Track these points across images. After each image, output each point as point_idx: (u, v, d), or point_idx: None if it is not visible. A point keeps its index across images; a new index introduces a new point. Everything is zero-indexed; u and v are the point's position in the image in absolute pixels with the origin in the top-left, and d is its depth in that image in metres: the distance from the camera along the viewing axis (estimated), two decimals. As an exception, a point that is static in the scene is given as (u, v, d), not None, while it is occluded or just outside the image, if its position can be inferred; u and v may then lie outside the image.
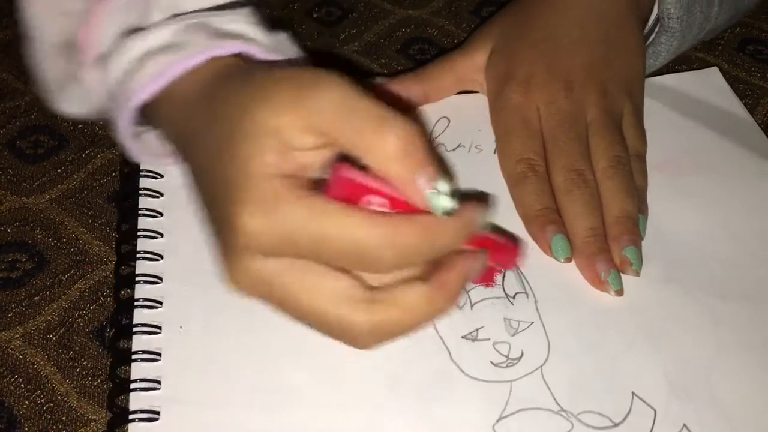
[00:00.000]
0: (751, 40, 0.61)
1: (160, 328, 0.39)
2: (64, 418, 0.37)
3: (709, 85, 0.56)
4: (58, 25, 0.43)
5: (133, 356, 0.38)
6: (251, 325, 0.39)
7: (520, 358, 0.39)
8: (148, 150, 0.43)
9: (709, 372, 0.39)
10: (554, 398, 0.38)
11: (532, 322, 0.41)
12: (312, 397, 0.38)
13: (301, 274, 0.32)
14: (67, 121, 0.51)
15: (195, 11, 0.40)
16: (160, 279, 0.41)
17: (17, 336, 0.40)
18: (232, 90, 0.34)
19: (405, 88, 0.51)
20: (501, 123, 0.49)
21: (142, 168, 0.46)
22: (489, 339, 0.40)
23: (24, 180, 0.48)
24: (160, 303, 0.40)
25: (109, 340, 0.40)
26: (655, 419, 0.38)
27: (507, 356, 0.39)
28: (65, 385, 0.38)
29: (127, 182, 0.46)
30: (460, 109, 0.52)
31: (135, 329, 0.39)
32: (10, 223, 0.45)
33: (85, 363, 0.39)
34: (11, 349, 0.40)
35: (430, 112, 0.52)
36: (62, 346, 0.40)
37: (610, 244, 0.43)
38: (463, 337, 0.40)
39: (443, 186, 0.31)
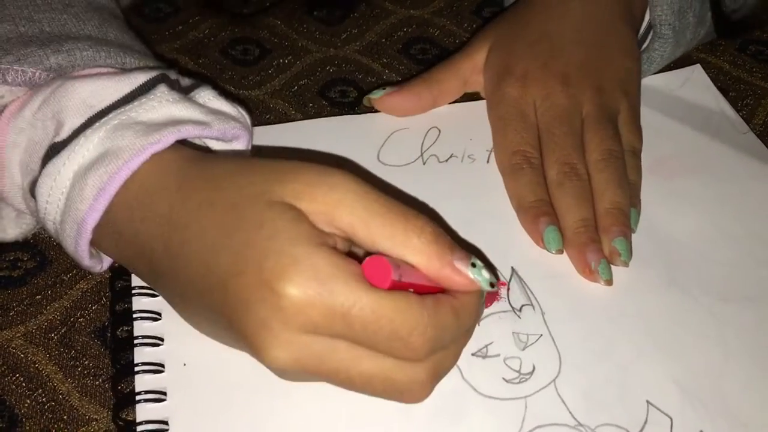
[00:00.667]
0: (753, 41, 0.61)
1: (163, 366, 0.38)
2: (65, 417, 0.37)
3: (693, 82, 0.56)
4: None
5: (137, 397, 0.37)
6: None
7: (532, 373, 0.39)
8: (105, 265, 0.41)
9: (719, 376, 0.39)
10: (570, 412, 0.37)
11: (541, 335, 0.40)
12: (323, 423, 0.36)
13: (351, 347, 0.32)
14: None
15: (109, 106, 0.37)
16: (159, 315, 0.40)
17: (19, 335, 0.40)
18: (224, 173, 0.34)
19: (415, 94, 0.51)
20: (498, 116, 0.49)
21: None
22: (499, 355, 0.39)
23: (25, 179, 0.48)
24: (162, 340, 0.39)
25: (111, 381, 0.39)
26: (671, 427, 0.37)
27: (519, 371, 0.39)
28: (67, 385, 0.38)
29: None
30: (451, 119, 0.52)
31: (137, 369, 0.38)
32: (11, 222, 0.45)
33: (86, 362, 0.39)
34: (13, 348, 0.40)
35: (421, 123, 0.51)
36: (64, 345, 0.40)
37: (600, 235, 0.44)
38: (473, 354, 0.39)
39: (478, 261, 0.33)
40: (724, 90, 0.56)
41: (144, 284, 0.40)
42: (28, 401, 0.38)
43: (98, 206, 0.35)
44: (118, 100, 0.37)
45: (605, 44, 0.50)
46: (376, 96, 0.51)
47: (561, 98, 0.47)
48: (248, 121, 0.41)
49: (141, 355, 0.38)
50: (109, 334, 0.40)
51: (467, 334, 0.35)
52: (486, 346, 0.40)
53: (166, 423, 0.36)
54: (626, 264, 0.43)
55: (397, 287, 0.31)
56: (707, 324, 0.42)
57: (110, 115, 0.36)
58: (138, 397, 0.36)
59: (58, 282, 0.42)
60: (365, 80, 0.56)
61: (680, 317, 0.42)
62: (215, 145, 0.40)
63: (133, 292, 0.40)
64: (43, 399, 0.38)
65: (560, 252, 0.44)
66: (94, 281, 0.42)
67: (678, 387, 0.39)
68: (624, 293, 0.43)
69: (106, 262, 0.40)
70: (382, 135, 0.50)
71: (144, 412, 0.36)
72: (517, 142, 0.47)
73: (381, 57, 0.58)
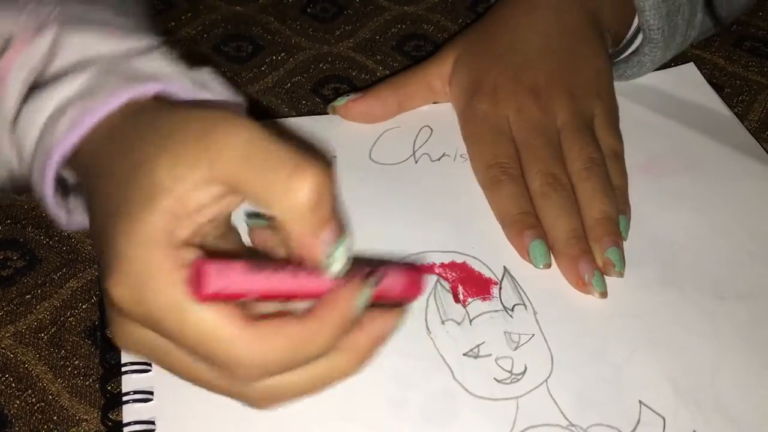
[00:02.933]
0: (748, 37, 0.61)
1: (150, 365, 0.38)
2: (55, 417, 0.37)
3: (686, 81, 0.56)
4: None
5: (125, 397, 0.37)
6: None
7: (524, 373, 0.38)
8: (77, 220, 0.38)
9: (714, 375, 0.39)
10: (562, 413, 0.37)
11: (533, 335, 0.40)
12: (311, 422, 0.36)
13: (180, 350, 0.30)
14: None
15: (105, 56, 0.37)
16: None
17: (8, 335, 0.40)
18: (137, 134, 0.32)
19: (379, 99, 0.51)
20: (470, 132, 0.49)
21: None
22: (491, 355, 0.39)
23: (16, 177, 0.47)
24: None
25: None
26: (664, 427, 0.37)
27: (511, 372, 0.38)
28: (57, 385, 0.38)
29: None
30: (443, 118, 0.51)
31: (124, 368, 0.37)
32: (1, 221, 0.45)
33: (76, 362, 0.39)
34: (2, 347, 0.39)
35: (413, 121, 0.51)
36: (54, 345, 0.40)
37: (591, 245, 0.43)
38: (464, 354, 0.39)
39: (341, 248, 0.31)
40: (719, 86, 0.56)
41: None
42: (18, 402, 0.38)
43: (70, 139, 0.34)
44: (115, 55, 0.37)
45: (573, 51, 0.49)
46: (339, 103, 0.50)
47: (534, 111, 0.47)
48: (243, 104, 0.40)
49: (128, 354, 0.38)
50: (99, 334, 0.40)
51: (334, 359, 0.32)
52: (477, 346, 0.39)
53: (153, 423, 0.36)
54: (621, 275, 0.42)
55: (232, 297, 0.29)
56: (701, 322, 0.41)
57: (104, 62, 0.36)
58: (125, 398, 0.36)
59: (47, 281, 0.42)
60: (359, 77, 0.56)
61: (674, 316, 0.42)
62: None
63: None
64: (33, 399, 0.38)
65: (548, 266, 0.43)
66: (84, 280, 0.42)
67: (671, 386, 0.38)
68: (617, 292, 0.42)
69: (74, 219, 0.38)
70: (374, 133, 0.50)
71: (131, 412, 0.36)
72: (493, 154, 0.46)
73: (375, 54, 0.58)
